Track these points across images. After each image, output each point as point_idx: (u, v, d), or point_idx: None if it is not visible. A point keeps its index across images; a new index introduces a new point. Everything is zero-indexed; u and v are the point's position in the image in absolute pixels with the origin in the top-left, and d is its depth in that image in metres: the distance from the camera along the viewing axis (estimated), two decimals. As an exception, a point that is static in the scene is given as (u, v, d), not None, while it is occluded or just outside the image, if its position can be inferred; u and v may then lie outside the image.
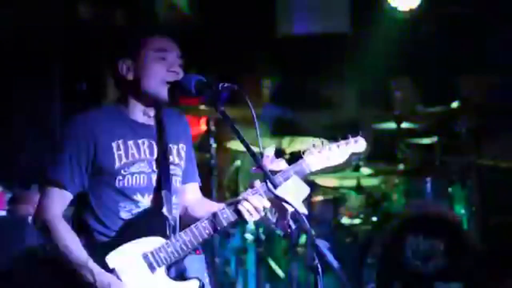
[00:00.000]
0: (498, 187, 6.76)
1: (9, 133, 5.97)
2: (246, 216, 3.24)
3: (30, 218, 4.97)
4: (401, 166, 6.45)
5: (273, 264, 6.07)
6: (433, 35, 7.73)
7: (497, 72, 7.40)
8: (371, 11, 7.64)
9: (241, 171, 6.19)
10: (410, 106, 6.87)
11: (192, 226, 3.26)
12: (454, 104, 6.43)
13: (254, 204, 3.23)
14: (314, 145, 3.33)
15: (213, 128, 5.88)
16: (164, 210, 3.28)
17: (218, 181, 6.00)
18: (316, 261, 2.83)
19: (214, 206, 3.38)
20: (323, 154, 3.34)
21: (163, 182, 3.31)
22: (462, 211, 6.29)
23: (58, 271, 3.23)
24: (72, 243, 3.20)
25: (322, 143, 3.34)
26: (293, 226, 3.12)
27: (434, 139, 6.58)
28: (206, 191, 3.67)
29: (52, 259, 3.26)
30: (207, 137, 5.88)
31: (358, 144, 3.39)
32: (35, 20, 6.06)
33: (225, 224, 3.27)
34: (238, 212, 3.25)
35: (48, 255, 3.32)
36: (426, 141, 6.66)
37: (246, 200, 3.24)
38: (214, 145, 5.86)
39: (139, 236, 3.23)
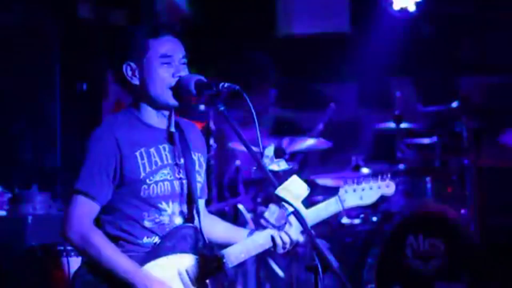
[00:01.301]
0: (498, 187, 6.76)
1: (9, 133, 5.97)
2: (279, 249, 3.26)
3: (30, 218, 4.98)
4: (401, 166, 6.45)
5: (273, 264, 6.07)
6: (433, 35, 7.73)
7: (497, 72, 7.40)
8: (371, 11, 7.64)
9: (241, 171, 6.18)
10: (410, 106, 6.87)
11: (228, 250, 3.25)
12: (454, 104, 6.43)
13: (292, 238, 3.26)
14: (349, 183, 3.37)
15: (213, 128, 5.87)
16: (196, 222, 3.27)
17: (218, 181, 6.00)
18: (316, 261, 2.84)
19: (237, 231, 3.43)
20: (357, 194, 3.37)
21: (191, 189, 3.28)
22: (462, 211, 6.29)
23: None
24: (115, 253, 3.13)
25: (357, 183, 3.37)
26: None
27: (434, 139, 6.57)
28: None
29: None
30: (207, 137, 5.88)
31: (389, 189, 3.42)
32: (35, 20, 6.06)
33: (259, 251, 3.29)
34: (273, 241, 3.26)
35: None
36: (426, 141, 6.65)
37: (286, 233, 3.24)
38: (214, 145, 5.86)
39: (172, 249, 3.21)
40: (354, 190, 3.36)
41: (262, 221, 3.02)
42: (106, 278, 3.14)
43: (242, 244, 3.29)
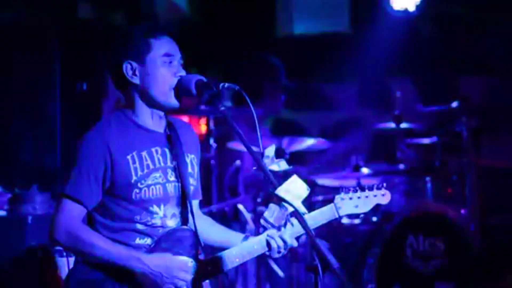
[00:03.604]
0: (498, 187, 6.76)
1: (9, 133, 5.97)
2: (274, 253, 3.29)
3: (30, 218, 4.98)
4: (401, 166, 6.45)
5: (273, 264, 6.07)
6: (433, 35, 7.73)
7: (497, 72, 7.40)
8: (371, 11, 7.64)
9: (241, 171, 6.19)
10: (410, 106, 6.87)
11: (224, 253, 3.27)
12: (454, 104, 6.43)
13: (287, 242, 3.28)
14: (345, 191, 3.41)
15: (213, 128, 5.88)
16: (191, 225, 3.27)
17: (218, 181, 6.00)
18: (316, 261, 2.84)
19: (231, 234, 3.43)
20: (353, 202, 3.41)
21: (184, 192, 3.28)
22: (462, 211, 6.30)
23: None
24: (105, 243, 3.15)
25: (353, 191, 3.41)
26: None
27: (434, 139, 6.58)
28: (206, 191, 3.66)
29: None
30: (207, 137, 5.88)
31: (384, 198, 3.46)
32: (35, 20, 6.06)
33: (254, 256, 3.32)
34: (268, 245, 3.29)
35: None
36: (426, 141, 6.66)
37: (281, 238, 3.27)
38: (214, 145, 5.87)
39: (167, 251, 3.21)
40: (350, 198, 3.40)
41: (262, 221, 3.02)
42: (100, 276, 3.15)
43: (237, 249, 3.30)
